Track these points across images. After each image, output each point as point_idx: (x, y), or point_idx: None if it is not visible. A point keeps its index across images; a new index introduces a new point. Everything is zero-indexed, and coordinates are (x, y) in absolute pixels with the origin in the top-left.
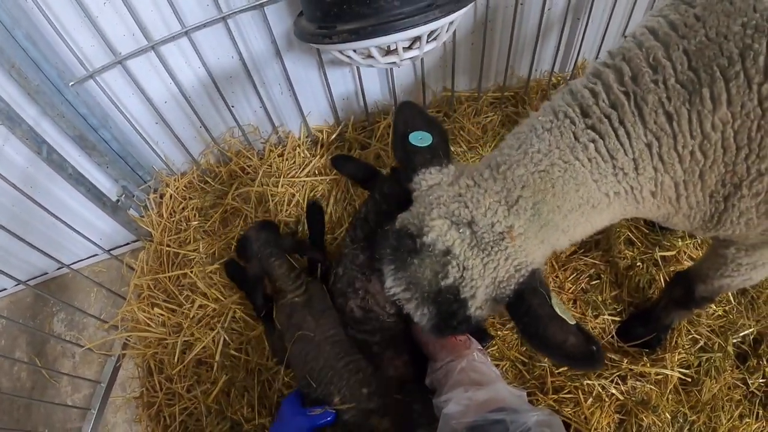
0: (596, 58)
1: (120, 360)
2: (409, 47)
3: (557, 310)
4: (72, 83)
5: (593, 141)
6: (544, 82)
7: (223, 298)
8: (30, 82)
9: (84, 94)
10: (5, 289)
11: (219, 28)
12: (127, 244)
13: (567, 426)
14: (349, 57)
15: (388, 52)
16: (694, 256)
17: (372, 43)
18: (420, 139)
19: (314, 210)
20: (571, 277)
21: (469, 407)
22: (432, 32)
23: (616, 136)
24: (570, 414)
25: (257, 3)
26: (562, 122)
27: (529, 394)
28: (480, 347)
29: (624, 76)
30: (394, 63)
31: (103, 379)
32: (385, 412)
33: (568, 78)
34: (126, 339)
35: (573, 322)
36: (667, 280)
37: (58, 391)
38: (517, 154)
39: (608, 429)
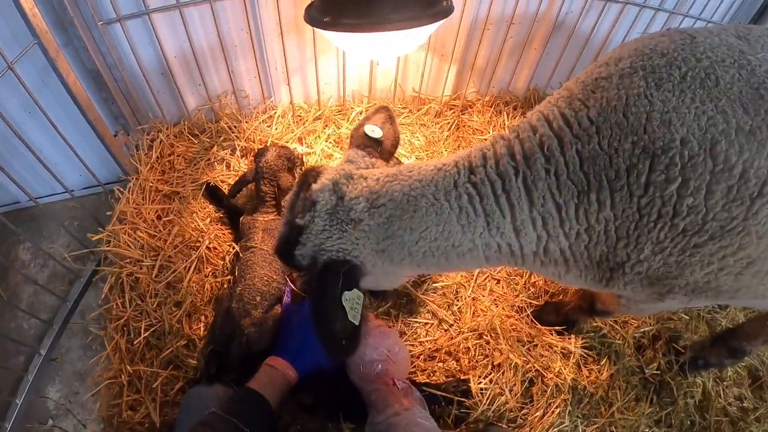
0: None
1: (90, 280)
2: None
3: (345, 302)
4: (101, 23)
5: (469, 195)
6: (490, 98)
7: (202, 228)
8: (67, 13)
9: (107, 35)
10: None
11: (237, 3)
12: (108, 184)
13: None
14: (344, 44)
15: (377, 47)
16: None
17: (365, 37)
18: (372, 131)
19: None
20: None
21: None
22: (413, 38)
23: (497, 201)
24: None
25: None
26: (450, 169)
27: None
28: (420, 397)
29: (516, 154)
30: (379, 57)
31: (69, 298)
32: (260, 328)
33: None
34: (99, 261)
35: (355, 322)
36: None
37: (14, 316)
38: (405, 174)
39: (519, 390)
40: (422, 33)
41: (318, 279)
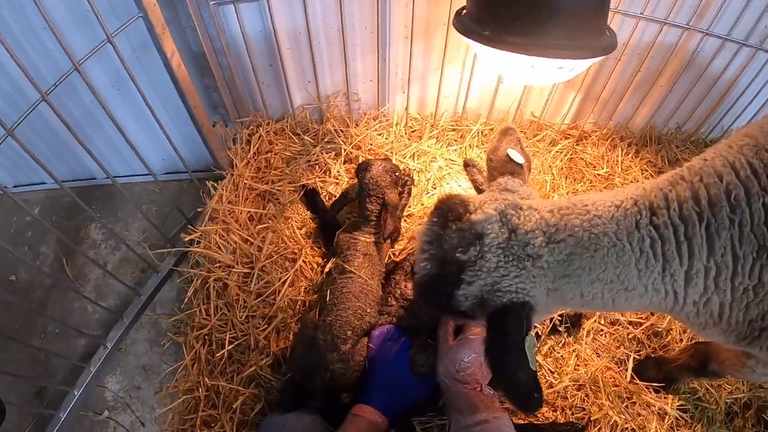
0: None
1: (168, 276)
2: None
3: (526, 347)
4: (213, 2)
5: (651, 238)
6: (607, 131)
7: (299, 239)
8: None
9: (217, 17)
10: (44, 183)
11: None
12: (195, 172)
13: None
14: (497, 62)
15: (536, 71)
16: None
17: (526, 60)
18: (515, 155)
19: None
20: None
21: None
22: (573, 68)
23: (677, 247)
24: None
25: None
26: (630, 207)
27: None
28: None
29: (701, 200)
30: (531, 81)
31: (144, 292)
32: (346, 364)
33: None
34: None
35: (534, 368)
36: (681, 332)
37: (78, 296)
38: (582, 208)
39: None
40: (584, 63)
41: (497, 325)
